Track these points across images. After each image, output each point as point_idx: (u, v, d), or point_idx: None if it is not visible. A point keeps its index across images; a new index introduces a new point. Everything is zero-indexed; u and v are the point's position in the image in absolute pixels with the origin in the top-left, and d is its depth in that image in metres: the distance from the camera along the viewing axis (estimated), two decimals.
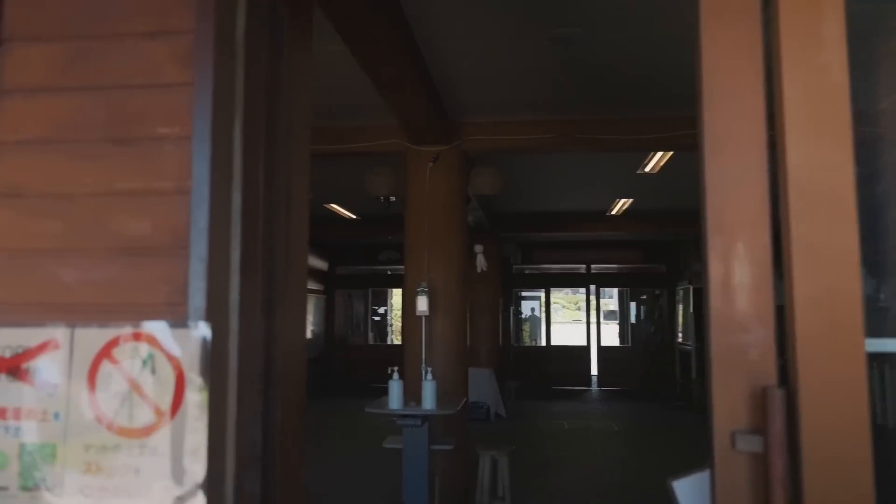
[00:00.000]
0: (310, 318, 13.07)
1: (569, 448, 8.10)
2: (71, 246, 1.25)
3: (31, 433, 1.23)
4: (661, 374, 13.15)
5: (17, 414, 1.23)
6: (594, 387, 13.79)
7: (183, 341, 1.21)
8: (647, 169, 6.81)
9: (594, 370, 14.05)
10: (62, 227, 1.26)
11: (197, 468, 1.20)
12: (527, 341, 15.15)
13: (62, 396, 1.23)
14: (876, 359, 1.25)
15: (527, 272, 14.42)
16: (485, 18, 3.72)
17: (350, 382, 13.11)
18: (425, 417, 4.50)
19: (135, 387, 1.21)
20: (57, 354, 1.23)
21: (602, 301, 14.86)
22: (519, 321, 14.86)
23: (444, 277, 5.37)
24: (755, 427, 1.24)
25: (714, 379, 1.27)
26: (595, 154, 6.46)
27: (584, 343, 14.12)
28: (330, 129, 5.51)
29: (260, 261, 1.44)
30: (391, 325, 16.15)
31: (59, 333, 1.24)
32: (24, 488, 1.22)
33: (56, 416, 1.23)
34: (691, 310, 11.73)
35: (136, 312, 1.23)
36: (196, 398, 1.20)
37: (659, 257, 13.66)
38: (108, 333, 1.23)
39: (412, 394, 4.66)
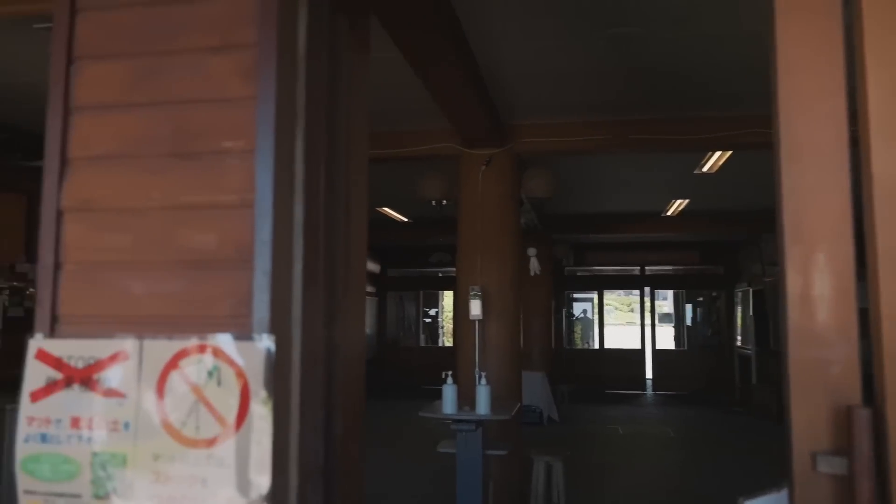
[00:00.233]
0: None
1: (624, 454, 7.95)
2: (139, 259, 1.28)
3: (102, 442, 1.26)
4: (719, 378, 12.80)
5: (90, 423, 1.26)
6: (649, 391, 13.51)
7: (247, 353, 1.22)
8: (705, 169, 6.63)
9: (649, 374, 13.77)
10: (131, 241, 1.28)
11: (262, 480, 1.20)
12: (579, 344, 14.96)
13: (132, 406, 1.25)
14: None
15: (579, 274, 14.24)
16: (539, 19, 3.67)
17: (402, 384, 13.18)
18: (479, 422, 4.47)
19: (201, 398, 1.22)
20: (127, 365, 1.26)
21: (656, 303, 14.56)
22: (571, 323, 14.69)
23: (498, 281, 5.33)
24: (838, 448, 1.17)
25: (792, 396, 1.21)
26: (650, 154, 6.33)
27: (639, 346, 13.85)
28: (382, 134, 5.55)
29: (321, 271, 1.44)
30: (442, 327, 16.18)
31: (128, 345, 1.26)
32: (97, 496, 1.25)
33: (126, 425, 1.25)
34: (751, 312, 11.38)
35: (202, 325, 1.25)
36: (261, 410, 1.21)
37: (716, 258, 13.30)
38: (175, 345, 1.24)
39: (466, 398, 4.64)
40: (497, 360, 5.29)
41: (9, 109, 5.11)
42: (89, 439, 1.26)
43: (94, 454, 1.25)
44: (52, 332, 1.30)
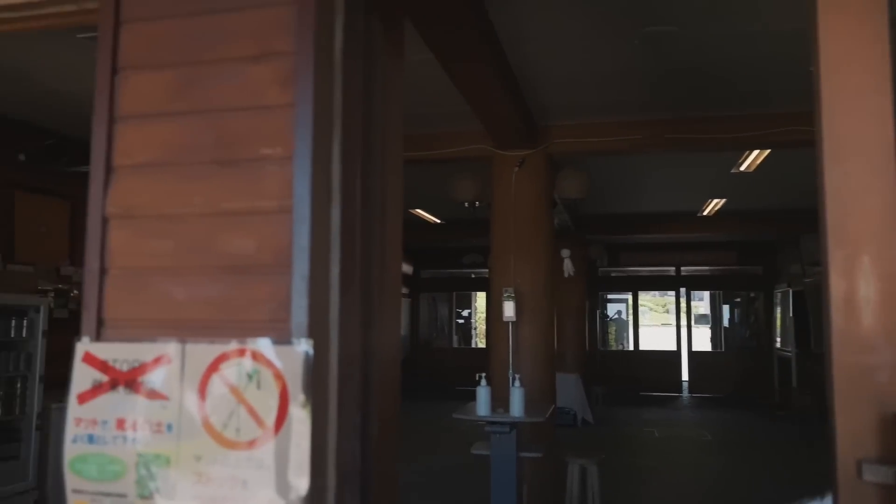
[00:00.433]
0: None
1: (660, 457, 7.84)
2: (181, 264, 1.31)
3: (146, 443, 1.29)
4: (758, 381, 12.55)
5: (135, 425, 1.29)
6: (685, 393, 13.31)
7: (286, 357, 1.24)
8: (743, 168, 6.51)
9: (685, 376, 13.56)
10: (173, 247, 1.31)
11: (301, 482, 1.22)
12: (613, 345, 14.81)
13: (175, 409, 1.28)
14: None
15: (613, 275, 14.10)
16: (572, 20, 3.65)
17: (435, 386, 13.21)
18: (513, 424, 4.46)
19: (241, 401, 1.25)
20: (170, 369, 1.29)
21: (692, 304, 14.34)
22: (605, 324, 14.55)
23: (531, 282, 5.31)
24: (885, 456, 1.14)
25: (836, 402, 1.18)
26: (686, 154, 6.24)
27: (674, 347, 13.64)
28: (414, 136, 5.57)
29: (358, 275, 1.46)
30: (475, 329, 16.17)
31: (171, 349, 1.29)
32: (141, 496, 1.28)
33: (169, 427, 1.28)
34: (791, 313, 11.13)
35: (242, 329, 1.27)
36: (299, 413, 1.22)
37: (754, 258, 13.04)
38: (216, 349, 1.27)
39: (500, 400, 4.63)
40: (531, 362, 5.27)
41: (55, 116, 5.27)
42: (134, 440, 1.29)
43: (139, 455, 1.29)
44: (97, 336, 1.34)
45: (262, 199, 1.27)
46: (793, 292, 11.12)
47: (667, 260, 13.54)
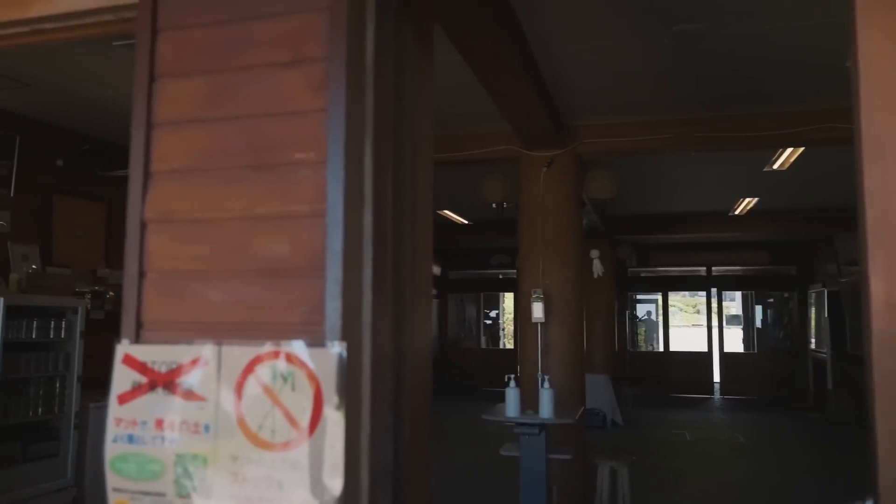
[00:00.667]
0: None
1: (692, 460, 7.75)
2: (217, 268, 1.33)
3: (184, 444, 1.31)
4: (792, 383, 12.32)
5: (172, 425, 1.32)
6: (716, 395, 13.12)
7: (320, 360, 1.25)
8: (776, 166, 6.40)
9: (716, 377, 13.37)
10: (209, 251, 1.33)
11: (335, 483, 1.23)
12: (642, 346, 14.66)
13: (211, 409, 1.30)
14: None
15: (642, 275, 13.96)
16: (601, 19, 3.63)
17: (462, 386, 13.22)
18: (543, 426, 4.45)
19: (277, 402, 1.26)
20: (206, 370, 1.31)
21: (724, 304, 14.12)
22: (634, 325, 14.41)
23: (560, 283, 5.29)
24: None
25: (877, 406, 1.16)
26: (716, 152, 6.15)
27: (706, 349, 13.46)
28: (442, 137, 5.58)
29: (389, 277, 1.47)
30: (503, 329, 16.14)
31: (207, 351, 1.32)
32: (179, 495, 1.31)
33: (206, 427, 1.30)
34: (826, 314, 10.91)
35: (276, 331, 1.29)
36: (333, 415, 1.23)
37: (788, 258, 12.81)
38: (251, 351, 1.29)
39: (529, 401, 4.62)
40: (560, 363, 5.24)
41: (90, 122, 5.39)
42: (172, 441, 1.32)
43: (177, 455, 1.31)
44: (137, 338, 1.37)
45: (295, 204, 1.29)
46: (828, 292, 10.90)
47: (697, 260, 13.38)
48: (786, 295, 13.51)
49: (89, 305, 5.33)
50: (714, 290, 13.75)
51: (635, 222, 10.45)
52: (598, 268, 8.40)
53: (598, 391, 9.19)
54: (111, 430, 1.35)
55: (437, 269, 14.32)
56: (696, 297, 20.78)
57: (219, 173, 1.35)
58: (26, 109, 5.07)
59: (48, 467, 4.69)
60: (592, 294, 9.53)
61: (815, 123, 4.97)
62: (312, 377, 1.25)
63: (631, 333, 14.04)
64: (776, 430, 9.65)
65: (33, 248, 5.22)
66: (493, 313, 16.14)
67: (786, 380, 12.49)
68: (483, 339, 15.75)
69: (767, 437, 9.13)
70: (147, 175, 1.37)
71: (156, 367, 1.34)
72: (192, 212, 1.35)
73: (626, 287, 13.43)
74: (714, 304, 13.70)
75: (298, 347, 1.26)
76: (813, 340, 12.01)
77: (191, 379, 1.32)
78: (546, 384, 4.48)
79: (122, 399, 1.35)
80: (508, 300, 15.65)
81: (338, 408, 1.24)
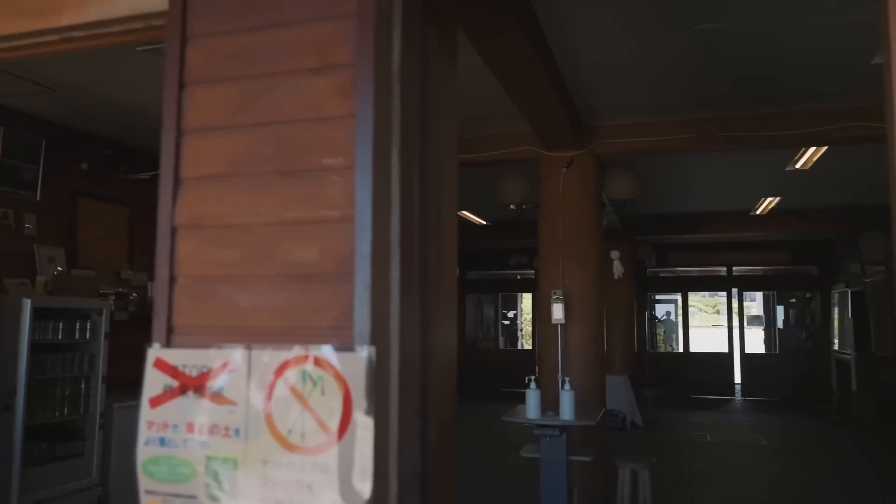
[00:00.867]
0: None
1: (713, 462, 7.68)
2: (246, 273, 1.34)
3: (214, 447, 1.32)
4: (814, 384, 12.17)
5: (203, 429, 1.33)
6: (737, 396, 12.99)
7: (349, 364, 1.26)
8: (799, 165, 6.33)
9: (737, 378, 13.24)
10: (238, 256, 1.35)
11: (364, 487, 1.24)
12: (662, 347, 14.55)
13: (242, 413, 1.32)
14: None
15: (661, 275, 13.86)
16: (622, 18, 3.61)
17: (481, 387, 13.20)
18: (563, 427, 4.43)
19: (306, 406, 1.27)
20: (236, 375, 1.32)
21: (745, 304, 13.97)
22: (654, 326, 14.31)
23: (580, 284, 5.27)
24: None
25: None
26: (737, 152, 6.10)
27: (726, 350, 13.33)
28: (461, 138, 5.57)
29: (416, 281, 1.47)
30: (521, 330, 16.10)
31: (237, 355, 1.33)
32: (210, 497, 1.32)
33: (237, 431, 1.32)
34: (850, 315, 10.76)
35: (306, 336, 1.29)
36: (363, 419, 1.24)
37: (810, 258, 12.65)
38: (281, 356, 1.30)
39: (549, 402, 4.60)
40: (580, 365, 5.22)
41: (114, 126, 5.46)
42: (203, 444, 1.33)
43: (208, 458, 1.32)
44: (167, 342, 1.38)
45: (324, 209, 1.29)
46: (851, 293, 10.75)
47: (717, 260, 13.26)
48: (808, 295, 13.35)
49: (113, 307, 5.40)
50: (735, 291, 13.61)
51: (655, 222, 10.38)
52: (618, 268, 8.35)
53: (618, 392, 9.13)
54: (143, 432, 1.37)
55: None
56: (716, 297, 20.60)
57: (248, 179, 1.36)
58: (51, 114, 5.15)
59: (74, 467, 4.75)
60: (611, 295, 9.47)
61: (839, 122, 4.91)
62: (342, 381, 1.26)
63: (650, 334, 13.95)
64: (799, 432, 9.54)
65: (59, 251, 5.30)
66: (511, 314, 16.11)
67: (808, 381, 12.34)
68: (501, 339, 15.73)
69: (790, 440, 9.03)
70: (177, 181, 1.38)
71: (186, 371, 1.35)
72: (221, 217, 1.37)
73: (645, 287, 13.35)
74: (735, 305, 13.57)
75: (327, 352, 1.27)
76: (836, 341, 11.86)
77: (221, 383, 1.33)
78: (566, 386, 4.47)
79: (154, 402, 1.36)
80: (526, 301, 15.60)
81: (367, 412, 1.24)
